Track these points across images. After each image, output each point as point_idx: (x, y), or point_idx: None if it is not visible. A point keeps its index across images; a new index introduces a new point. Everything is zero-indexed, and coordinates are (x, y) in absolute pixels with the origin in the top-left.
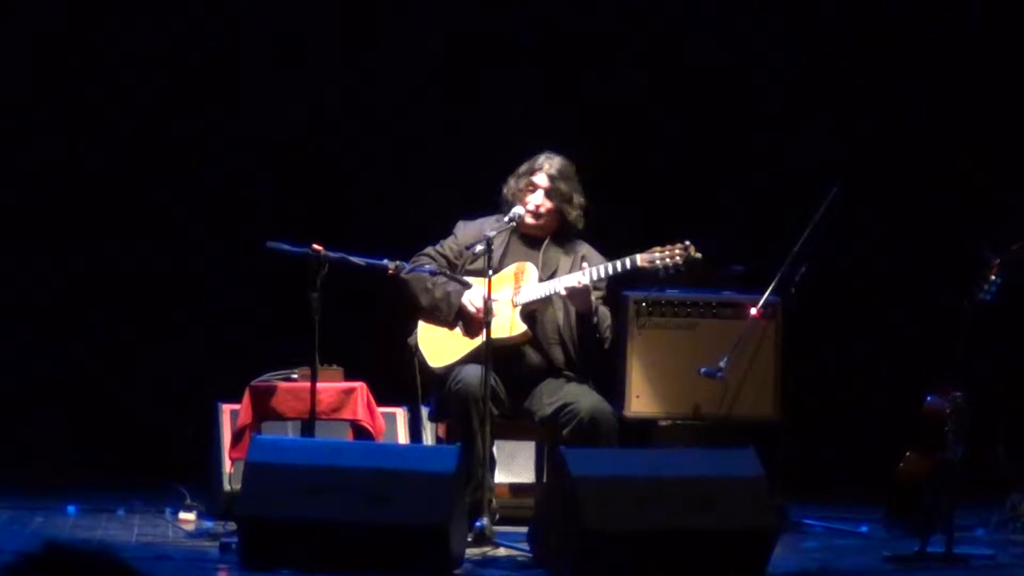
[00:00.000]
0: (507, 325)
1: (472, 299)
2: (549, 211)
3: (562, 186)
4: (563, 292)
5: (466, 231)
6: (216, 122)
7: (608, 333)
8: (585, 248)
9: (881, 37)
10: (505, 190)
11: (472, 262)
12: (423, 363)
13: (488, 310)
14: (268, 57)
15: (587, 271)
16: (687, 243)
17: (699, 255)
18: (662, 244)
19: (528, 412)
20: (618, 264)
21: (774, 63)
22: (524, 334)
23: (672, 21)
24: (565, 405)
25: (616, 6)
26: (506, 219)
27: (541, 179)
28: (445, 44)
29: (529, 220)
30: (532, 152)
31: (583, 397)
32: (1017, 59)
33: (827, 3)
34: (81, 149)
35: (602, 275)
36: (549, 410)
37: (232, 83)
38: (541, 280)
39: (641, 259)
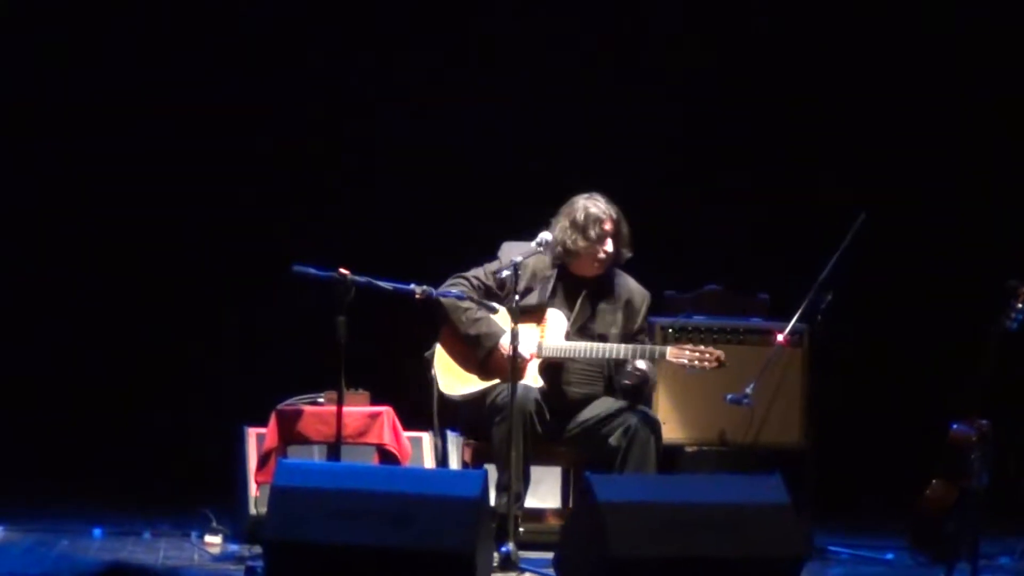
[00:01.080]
0: (527, 376)
1: (506, 345)
2: (611, 255)
3: (624, 229)
4: (625, 383)
5: (511, 255)
6: (243, 144)
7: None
8: (628, 285)
9: (904, 63)
10: (559, 239)
11: (523, 299)
12: (436, 383)
13: (515, 350)
14: (293, 78)
15: (614, 348)
16: (720, 354)
17: (727, 364)
18: (691, 343)
19: (575, 436)
20: (647, 350)
21: (800, 87)
22: (540, 389)
23: (698, 46)
24: (612, 414)
25: (639, 32)
26: (534, 244)
27: (610, 227)
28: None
29: (596, 268)
30: (558, 180)
31: (626, 406)
32: None
33: (849, 31)
34: (109, 174)
35: (626, 355)
36: (591, 422)
37: (258, 106)
38: (569, 334)
39: (671, 352)
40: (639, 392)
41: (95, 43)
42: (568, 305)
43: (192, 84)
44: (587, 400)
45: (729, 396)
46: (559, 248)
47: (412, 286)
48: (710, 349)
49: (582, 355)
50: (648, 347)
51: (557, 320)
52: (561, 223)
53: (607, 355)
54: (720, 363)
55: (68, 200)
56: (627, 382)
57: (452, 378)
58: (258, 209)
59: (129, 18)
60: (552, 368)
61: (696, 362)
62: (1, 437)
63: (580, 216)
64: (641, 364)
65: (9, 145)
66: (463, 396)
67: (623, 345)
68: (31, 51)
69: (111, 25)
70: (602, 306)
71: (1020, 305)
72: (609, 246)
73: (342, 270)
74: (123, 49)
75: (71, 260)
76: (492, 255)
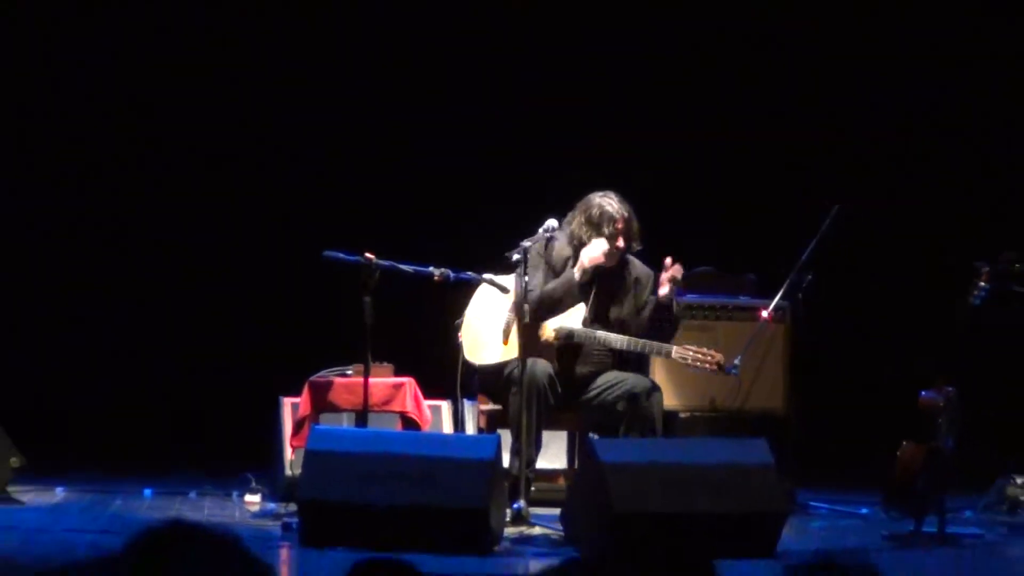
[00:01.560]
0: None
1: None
2: (623, 249)
3: (634, 225)
4: (618, 344)
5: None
6: (283, 141)
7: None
8: (635, 267)
9: (874, 49)
10: (576, 234)
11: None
12: (461, 351)
13: (520, 326)
14: (330, 76)
15: (623, 340)
16: (720, 358)
17: (725, 366)
18: (695, 344)
19: (583, 402)
20: (654, 347)
21: (780, 84)
22: (553, 337)
23: (681, 38)
24: (615, 384)
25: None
26: (541, 231)
27: (622, 226)
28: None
29: (609, 261)
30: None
31: (629, 376)
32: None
33: (821, 22)
34: (159, 162)
35: (634, 348)
36: (602, 395)
37: (301, 102)
38: (586, 320)
39: (675, 352)
40: (671, 304)
41: (134, 39)
42: (584, 292)
43: (237, 82)
44: (596, 375)
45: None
46: (576, 241)
47: (431, 269)
48: (712, 352)
49: (599, 342)
50: (655, 344)
51: (576, 308)
52: (578, 219)
53: (620, 346)
54: (720, 367)
55: (122, 183)
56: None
57: (476, 347)
58: (293, 199)
59: (171, 14)
60: (568, 348)
61: (697, 363)
62: (59, 408)
63: (595, 213)
64: (664, 291)
65: (66, 137)
66: (484, 365)
67: (635, 339)
68: (82, 40)
69: (151, 20)
70: (614, 294)
71: (983, 284)
72: (621, 242)
73: (368, 254)
74: (168, 49)
75: (121, 243)
76: (499, 239)
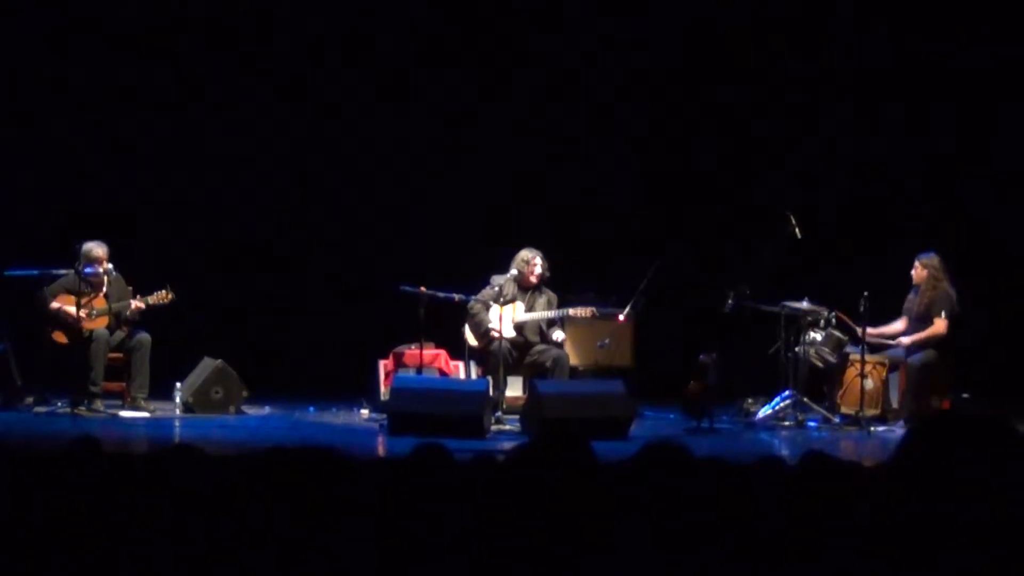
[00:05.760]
0: (506, 332)
1: (493, 325)
2: (539, 277)
3: (546, 265)
4: (557, 339)
5: (498, 279)
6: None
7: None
8: (547, 291)
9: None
10: (518, 270)
11: (498, 298)
12: (466, 338)
13: (493, 328)
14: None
15: (557, 334)
16: (593, 310)
17: (598, 315)
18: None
19: (529, 363)
20: (562, 312)
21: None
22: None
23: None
24: (544, 352)
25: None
26: (492, 280)
27: (532, 267)
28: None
29: (533, 280)
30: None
31: (554, 350)
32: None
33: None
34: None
35: (553, 316)
36: (538, 359)
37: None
38: (523, 312)
39: (571, 311)
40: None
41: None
42: (522, 299)
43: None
44: (533, 346)
45: (599, 343)
46: (515, 274)
47: (453, 295)
48: (589, 308)
49: (534, 321)
50: (560, 311)
51: (519, 307)
52: (517, 262)
53: (546, 315)
54: (593, 315)
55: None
56: (555, 339)
57: (473, 336)
58: (389, 258)
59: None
60: (519, 336)
61: (585, 315)
62: (265, 362)
63: (521, 260)
64: (558, 336)
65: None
66: (477, 345)
67: (549, 312)
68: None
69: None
70: (536, 300)
71: (730, 300)
72: (538, 271)
73: (421, 288)
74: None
75: (303, 267)
76: (479, 280)
